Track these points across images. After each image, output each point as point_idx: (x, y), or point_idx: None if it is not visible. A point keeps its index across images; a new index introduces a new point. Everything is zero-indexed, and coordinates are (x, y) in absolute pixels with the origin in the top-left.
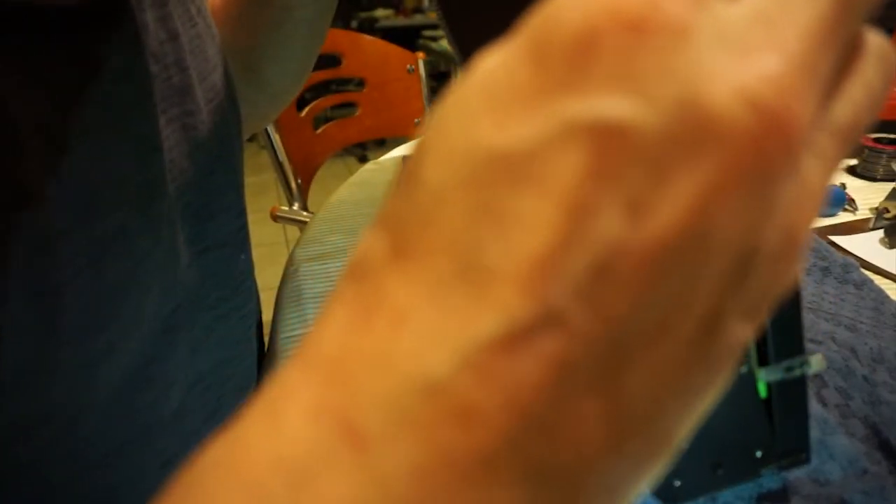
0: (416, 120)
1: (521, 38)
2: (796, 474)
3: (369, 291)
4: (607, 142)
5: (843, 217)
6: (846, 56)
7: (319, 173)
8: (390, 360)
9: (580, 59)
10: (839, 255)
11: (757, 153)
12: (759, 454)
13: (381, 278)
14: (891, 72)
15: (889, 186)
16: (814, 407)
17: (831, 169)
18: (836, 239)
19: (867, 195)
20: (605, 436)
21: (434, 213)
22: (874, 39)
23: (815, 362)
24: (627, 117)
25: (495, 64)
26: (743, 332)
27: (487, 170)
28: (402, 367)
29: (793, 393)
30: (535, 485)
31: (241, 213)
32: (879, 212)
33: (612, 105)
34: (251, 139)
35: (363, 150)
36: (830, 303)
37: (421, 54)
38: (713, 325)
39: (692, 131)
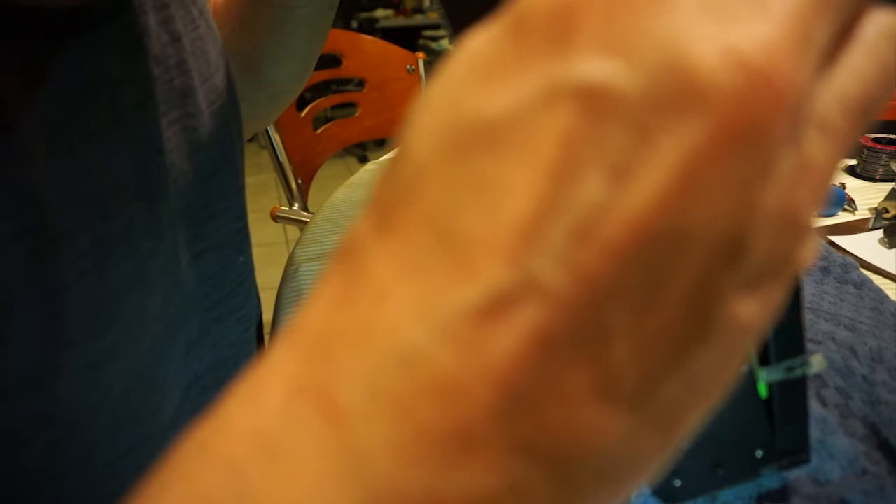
0: None
1: (505, 15)
2: (796, 474)
3: (353, 269)
4: (589, 105)
5: (843, 217)
6: (848, 28)
7: (319, 173)
8: (370, 335)
9: (561, 26)
10: (839, 254)
11: (746, 115)
12: (759, 454)
13: (364, 255)
14: None
15: (888, 186)
16: (813, 407)
17: (840, 145)
18: (835, 239)
19: (866, 195)
20: (596, 413)
21: (416, 185)
22: (888, 16)
23: (816, 362)
24: (609, 79)
25: (480, 41)
26: (749, 309)
27: (469, 139)
28: (381, 341)
29: (793, 393)
30: (521, 466)
31: (241, 216)
32: (879, 212)
33: (594, 68)
34: (251, 139)
35: (363, 150)
36: (830, 303)
37: (421, 54)
38: (708, 298)
39: (677, 92)
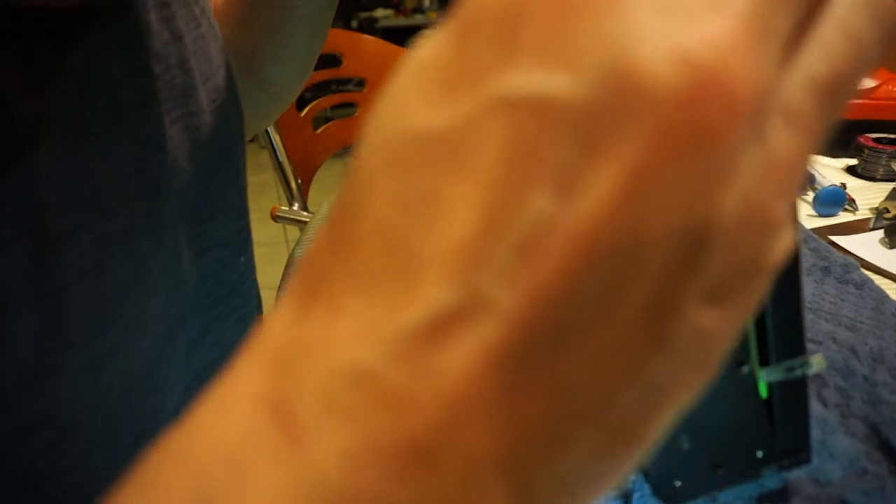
0: None
1: (453, 20)
2: (796, 474)
3: (311, 283)
4: (532, 117)
5: (843, 217)
6: (815, 4)
7: (319, 173)
8: (325, 351)
9: (506, 33)
10: (839, 255)
11: (694, 117)
12: (759, 454)
13: (320, 269)
14: (887, 17)
15: (889, 186)
16: (814, 407)
17: (809, 133)
18: (836, 239)
19: (867, 195)
20: (549, 425)
21: (366, 201)
22: None
23: (816, 362)
24: (552, 90)
25: (427, 49)
26: (713, 319)
27: (413, 153)
28: (335, 357)
29: (793, 393)
30: (476, 479)
31: (242, 216)
32: (879, 212)
33: (537, 79)
34: (252, 139)
35: None
36: (830, 303)
37: None
38: (665, 309)
39: (621, 98)
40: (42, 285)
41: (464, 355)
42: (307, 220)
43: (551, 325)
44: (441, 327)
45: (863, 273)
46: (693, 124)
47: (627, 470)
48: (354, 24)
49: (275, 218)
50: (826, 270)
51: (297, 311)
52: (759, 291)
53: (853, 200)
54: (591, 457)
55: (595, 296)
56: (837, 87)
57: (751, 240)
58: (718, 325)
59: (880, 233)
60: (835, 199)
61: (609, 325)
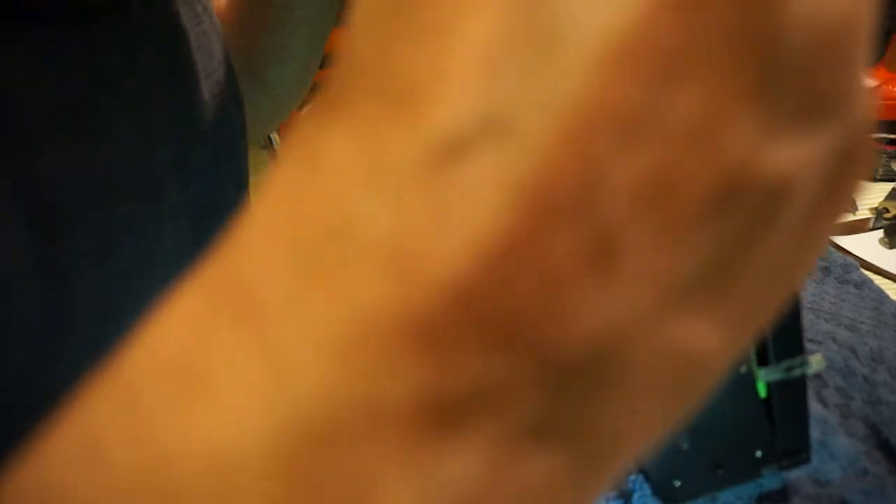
0: None
1: None
2: (796, 474)
3: (293, 149)
4: None
5: (843, 217)
6: None
7: None
8: (296, 208)
9: None
10: (839, 255)
11: None
12: (759, 454)
13: (307, 132)
14: None
15: (889, 186)
16: (814, 407)
17: None
18: (836, 239)
19: (867, 195)
20: (594, 289)
21: (357, 44)
22: None
23: (815, 362)
24: None
25: None
26: (785, 157)
27: None
28: (311, 212)
29: (793, 393)
30: (499, 365)
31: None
32: (879, 212)
33: None
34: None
35: None
36: (830, 303)
37: None
38: (724, 134)
39: None
40: (43, 283)
41: (478, 191)
42: None
43: (590, 149)
44: (450, 155)
45: (862, 273)
46: None
47: (706, 373)
48: None
49: None
50: (826, 270)
51: (270, 185)
52: (840, 137)
53: (853, 200)
54: (649, 335)
55: (638, 112)
56: None
57: (821, 59)
58: (793, 167)
59: (880, 233)
60: None
61: (656, 151)
